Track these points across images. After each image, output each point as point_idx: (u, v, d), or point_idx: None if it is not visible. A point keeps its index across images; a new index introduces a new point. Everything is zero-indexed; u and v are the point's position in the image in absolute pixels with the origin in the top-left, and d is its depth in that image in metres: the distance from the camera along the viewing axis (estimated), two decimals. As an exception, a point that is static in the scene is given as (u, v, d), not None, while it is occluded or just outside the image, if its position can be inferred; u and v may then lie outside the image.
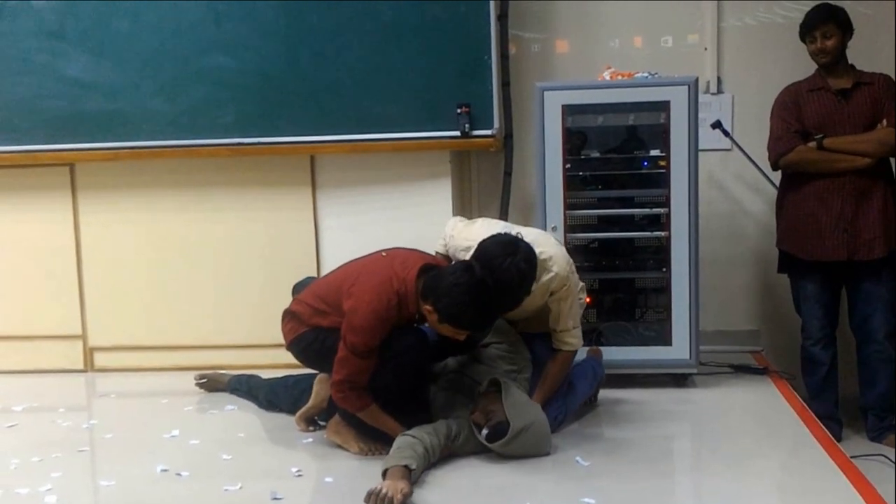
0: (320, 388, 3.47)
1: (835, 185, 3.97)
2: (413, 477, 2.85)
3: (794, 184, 4.09)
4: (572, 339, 3.43)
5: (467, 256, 3.30)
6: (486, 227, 3.47)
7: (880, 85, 4.00)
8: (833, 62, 3.99)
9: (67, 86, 4.46)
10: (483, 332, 3.30)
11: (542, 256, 3.31)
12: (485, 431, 3.09)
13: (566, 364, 3.47)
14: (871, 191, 3.97)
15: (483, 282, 3.04)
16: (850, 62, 4.05)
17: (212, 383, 4.17)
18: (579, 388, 3.56)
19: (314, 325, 3.33)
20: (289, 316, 3.46)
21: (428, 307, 3.06)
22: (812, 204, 4.01)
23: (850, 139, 3.95)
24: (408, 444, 2.98)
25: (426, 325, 3.22)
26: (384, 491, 2.68)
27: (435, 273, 3.13)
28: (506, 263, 3.10)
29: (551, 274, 3.34)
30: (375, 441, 3.20)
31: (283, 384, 3.83)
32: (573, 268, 3.44)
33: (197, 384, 4.16)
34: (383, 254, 3.35)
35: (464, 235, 3.52)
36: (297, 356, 3.46)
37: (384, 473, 2.84)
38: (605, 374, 3.79)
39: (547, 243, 3.41)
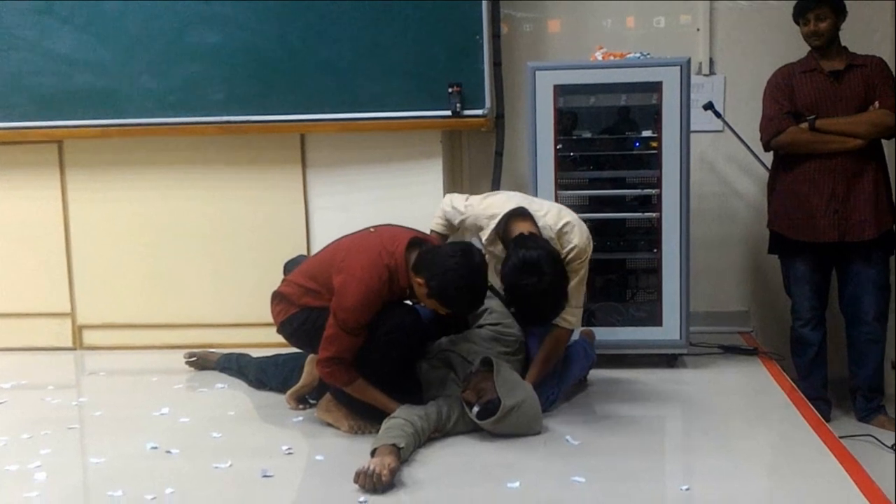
0: (311, 368, 3.47)
1: (826, 166, 3.97)
2: (402, 455, 2.86)
3: (785, 165, 4.10)
4: (572, 316, 3.39)
5: (492, 224, 3.33)
6: (506, 199, 3.43)
7: (873, 67, 4.00)
8: (826, 44, 3.99)
9: (56, 62, 4.43)
10: (470, 312, 3.29)
11: (564, 227, 3.31)
12: (476, 409, 3.09)
13: (562, 342, 3.45)
14: (863, 172, 3.98)
15: (479, 268, 3.04)
16: (843, 44, 4.05)
17: (201, 362, 4.16)
18: (572, 369, 3.56)
19: (304, 304, 3.31)
20: (278, 298, 3.44)
21: (419, 280, 3.05)
22: (803, 185, 4.02)
23: (842, 121, 3.96)
24: (397, 424, 2.98)
25: (418, 303, 3.22)
26: (371, 468, 2.69)
27: (431, 249, 3.12)
28: (529, 288, 3.04)
29: (571, 244, 3.33)
30: (366, 420, 3.20)
31: (272, 362, 3.83)
32: (591, 244, 3.40)
33: (187, 362, 4.15)
34: (371, 230, 3.34)
35: (485, 206, 3.45)
36: (287, 338, 3.44)
37: (373, 452, 2.84)
38: (597, 354, 3.80)
39: (569, 214, 3.40)
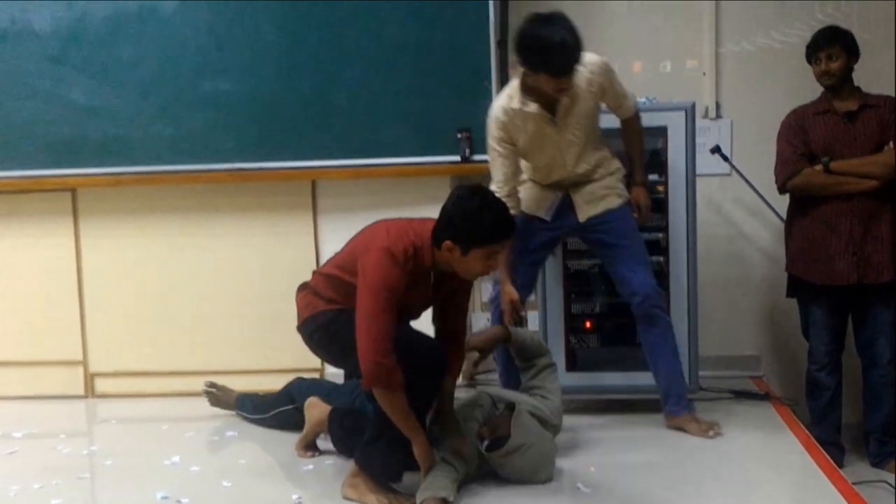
0: (312, 412, 3.46)
1: (843, 208, 3.96)
2: None
3: (801, 207, 4.09)
4: (632, 101, 3.62)
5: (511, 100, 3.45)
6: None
7: (887, 107, 3.99)
8: (838, 84, 3.99)
9: (69, 111, 4.49)
10: (509, 236, 3.03)
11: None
12: (486, 442, 3.10)
13: (639, 120, 3.66)
14: (880, 213, 3.96)
15: (482, 187, 3.03)
16: (856, 85, 4.05)
17: (218, 395, 4.11)
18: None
19: (331, 299, 3.12)
20: (305, 289, 3.26)
21: (448, 244, 2.89)
22: (820, 227, 4.00)
23: (856, 162, 3.95)
24: (445, 473, 2.96)
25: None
26: None
27: (437, 219, 2.99)
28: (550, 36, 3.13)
29: (592, 65, 3.42)
30: (395, 494, 3.04)
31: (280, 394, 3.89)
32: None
33: (204, 391, 4.11)
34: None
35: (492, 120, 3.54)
36: (307, 336, 3.23)
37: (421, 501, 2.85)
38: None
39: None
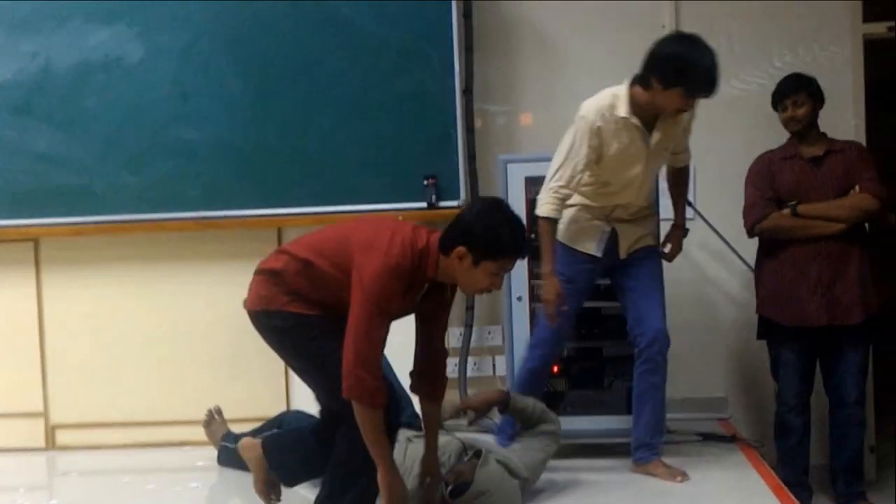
0: (248, 454, 3.29)
1: (811, 251, 4.01)
2: None
3: (770, 251, 4.13)
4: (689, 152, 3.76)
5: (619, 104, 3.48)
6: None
7: (852, 152, 4.06)
8: (805, 130, 4.06)
9: (33, 161, 4.47)
10: (523, 255, 3.02)
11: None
12: (449, 488, 3.07)
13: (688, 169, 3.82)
14: (848, 256, 4.01)
15: (504, 201, 3.03)
16: (822, 131, 4.12)
17: (214, 425, 4.06)
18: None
19: (294, 295, 2.94)
20: (267, 274, 3.02)
21: (460, 250, 2.82)
22: (790, 270, 4.03)
23: (823, 206, 4.01)
24: None
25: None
26: None
27: (449, 226, 2.92)
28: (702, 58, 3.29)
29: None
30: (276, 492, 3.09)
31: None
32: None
33: (209, 411, 4.09)
34: (400, 217, 3.20)
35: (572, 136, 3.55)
36: (261, 329, 3.06)
37: None
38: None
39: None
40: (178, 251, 4.53)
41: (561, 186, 3.47)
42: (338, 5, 4.37)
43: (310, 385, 3.10)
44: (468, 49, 4.56)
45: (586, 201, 3.67)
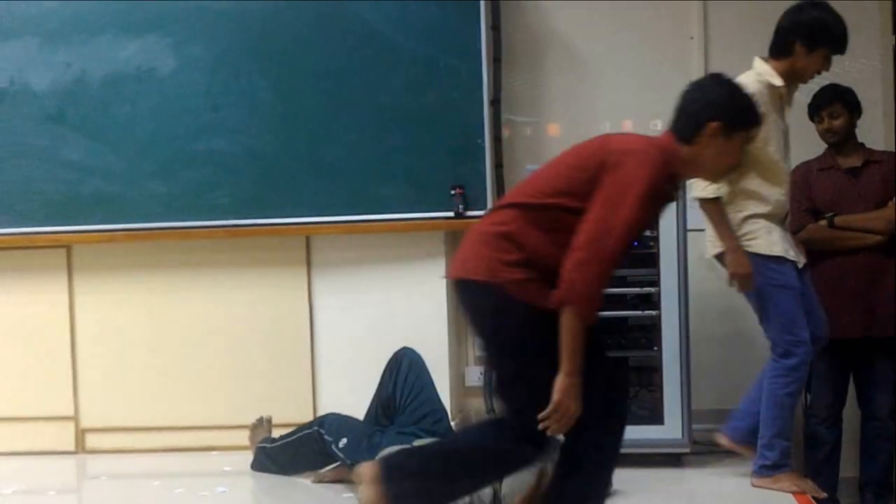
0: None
1: (848, 262, 3.98)
2: None
3: (806, 262, 4.11)
4: None
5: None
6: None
7: (890, 163, 4.03)
8: (842, 141, 4.03)
9: (65, 169, 4.52)
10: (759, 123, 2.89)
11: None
12: None
13: None
14: (885, 268, 3.98)
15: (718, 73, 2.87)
16: (860, 141, 4.10)
17: (261, 429, 4.12)
18: None
19: (526, 263, 2.54)
20: (500, 237, 2.60)
21: (713, 126, 2.65)
22: (825, 282, 3.97)
23: (860, 217, 3.98)
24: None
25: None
26: None
27: (680, 114, 2.75)
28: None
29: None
30: None
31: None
32: None
33: (260, 418, 4.16)
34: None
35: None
36: (474, 309, 2.67)
37: None
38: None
39: None
40: (207, 258, 4.57)
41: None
42: (367, 18, 4.40)
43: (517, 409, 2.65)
44: (496, 60, 4.58)
45: (762, 209, 3.54)
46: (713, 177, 3.00)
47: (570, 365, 2.48)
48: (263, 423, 4.17)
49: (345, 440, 3.72)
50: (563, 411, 2.49)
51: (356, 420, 3.91)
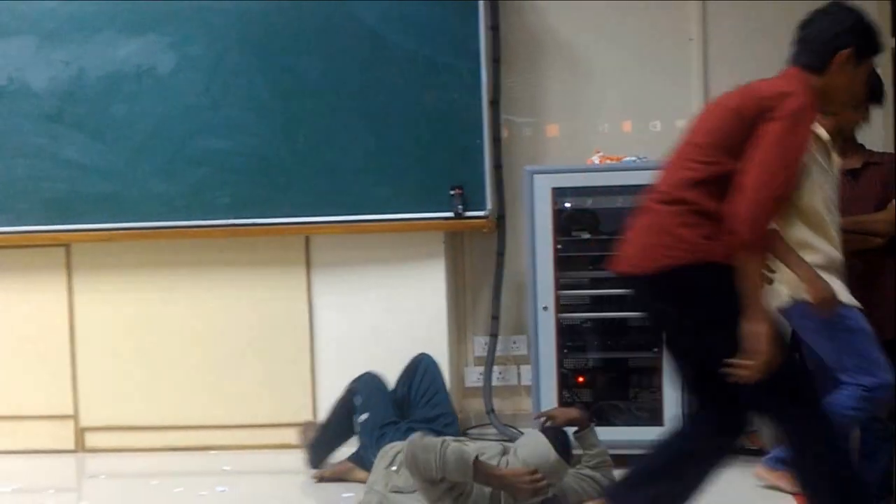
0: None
1: (847, 265, 3.99)
2: None
3: None
4: None
5: None
6: None
7: (890, 164, 4.04)
8: (842, 143, 4.04)
9: (64, 168, 4.52)
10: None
11: None
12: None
13: None
14: (884, 270, 3.98)
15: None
16: (859, 142, 4.10)
17: (307, 434, 4.12)
18: None
19: (708, 234, 2.56)
20: (689, 216, 2.62)
21: (844, 53, 2.63)
22: None
23: (860, 219, 3.96)
24: None
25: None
26: None
27: (802, 45, 2.74)
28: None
29: None
30: None
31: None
32: None
33: (308, 423, 4.17)
34: None
35: None
36: (665, 289, 2.65)
37: None
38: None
39: None
40: (206, 258, 4.57)
41: None
42: (366, 18, 4.40)
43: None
44: (495, 61, 4.59)
45: (816, 258, 3.38)
46: (841, 107, 2.94)
47: (754, 307, 2.48)
48: (310, 425, 4.18)
49: (365, 416, 3.78)
50: (758, 357, 2.48)
51: (383, 396, 3.91)
